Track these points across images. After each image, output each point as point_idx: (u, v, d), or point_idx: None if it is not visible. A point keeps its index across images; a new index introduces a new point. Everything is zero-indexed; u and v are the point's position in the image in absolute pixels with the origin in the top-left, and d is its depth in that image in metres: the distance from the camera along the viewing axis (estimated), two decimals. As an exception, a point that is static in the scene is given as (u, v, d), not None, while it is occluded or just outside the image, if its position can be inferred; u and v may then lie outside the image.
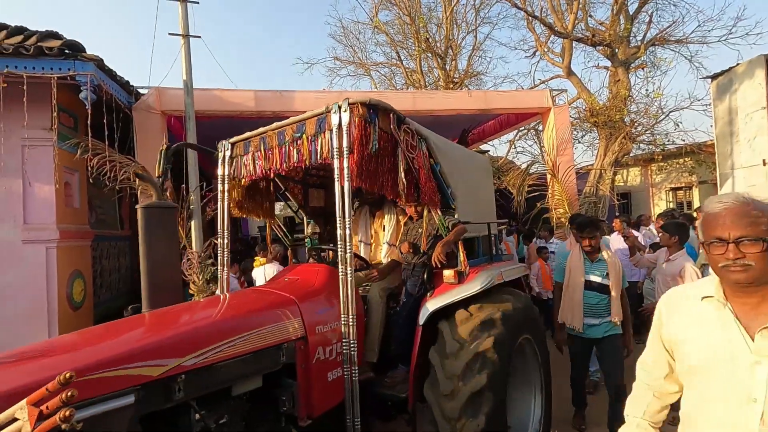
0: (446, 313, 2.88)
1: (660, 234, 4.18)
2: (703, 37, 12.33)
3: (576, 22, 11.71)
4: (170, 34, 6.58)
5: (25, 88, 5.03)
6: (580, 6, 11.61)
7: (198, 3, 6.80)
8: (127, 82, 6.45)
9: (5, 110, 5.11)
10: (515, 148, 15.97)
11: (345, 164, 2.32)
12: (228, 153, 3.21)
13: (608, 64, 11.81)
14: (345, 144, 2.32)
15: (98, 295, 6.76)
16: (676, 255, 3.85)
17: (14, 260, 5.48)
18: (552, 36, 12.49)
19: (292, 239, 5.06)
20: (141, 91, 6.85)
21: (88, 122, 5.46)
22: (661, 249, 4.63)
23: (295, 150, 2.64)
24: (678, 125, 12.17)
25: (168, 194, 5.51)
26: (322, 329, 2.60)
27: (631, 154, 12.38)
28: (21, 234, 5.52)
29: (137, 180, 5.65)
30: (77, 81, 5.26)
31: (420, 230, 3.29)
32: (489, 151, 14.01)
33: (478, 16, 16.30)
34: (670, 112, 12.11)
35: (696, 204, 13.46)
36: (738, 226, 1.12)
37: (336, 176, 2.36)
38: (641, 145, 12.65)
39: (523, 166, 9.55)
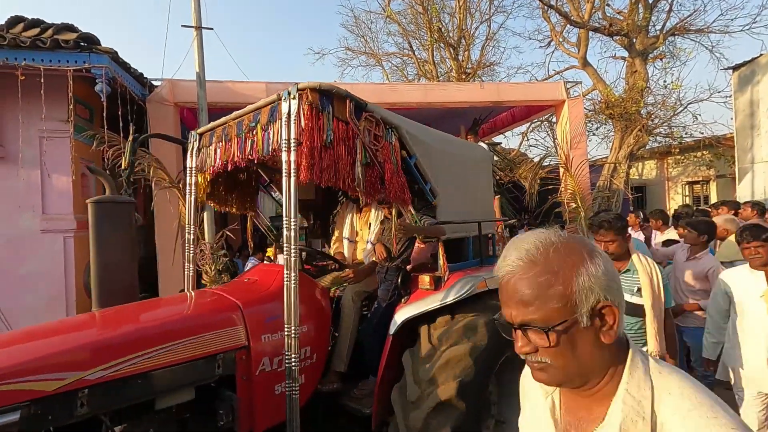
0: (427, 317, 2.66)
1: (686, 231, 3.97)
2: (726, 26, 12.06)
3: (593, 11, 11.44)
4: (183, 26, 6.61)
5: (42, 80, 5.12)
6: (598, -6, 11.33)
7: (210, -6, 6.79)
8: (141, 74, 6.52)
9: (23, 102, 5.22)
10: (528, 140, 15.79)
11: (292, 157, 2.09)
12: (196, 144, 2.98)
13: (625, 54, 11.54)
14: (292, 135, 2.09)
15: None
16: (702, 254, 3.69)
17: (34, 249, 5.63)
18: (568, 26, 12.23)
19: (277, 233, 4.93)
20: (154, 83, 6.92)
21: (104, 114, 5.55)
22: (677, 245, 4.53)
23: (249, 141, 2.44)
24: (696, 117, 11.89)
25: (181, 186, 5.59)
26: (271, 338, 2.38)
27: (647, 147, 12.14)
28: (39, 224, 5.66)
29: (151, 170, 5.74)
30: (93, 74, 5.34)
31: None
32: (501, 143, 13.84)
33: (492, 5, 16.03)
34: (689, 104, 11.85)
35: (713, 198, 13.18)
36: (518, 304, 0.76)
37: (284, 170, 2.14)
38: (658, 137, 12.40)
39: (536, 158, 9.43)
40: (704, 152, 12.88)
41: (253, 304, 2.48)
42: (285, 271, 2.12)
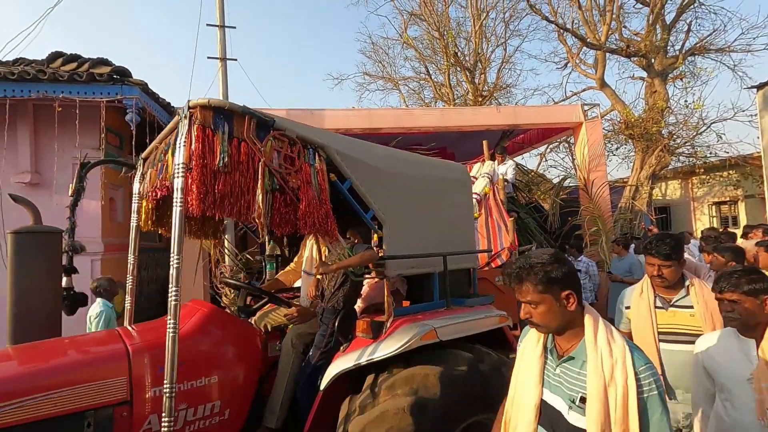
0: (376, 363, 2.29)
1: (712, 256, 3.78)
2: (747, 45, 11.82)
3: (609, 33, 11.48)
4: (209, 57, 6.93)
5: (77, 111, 5.42)
6: (614, 17, 11.39)
7: (235, 28, 7.15)
8: (169, 103, 6.82)
9: (59, 132, 5.53)
10: (546, 160, 15.69)
11: (178, 185, 1.84)
12: (140, 169, 2.80)
13: (644, 74, 11.48)
14: (182, 159, 1.84)
15: (138, 305, 7.09)
16: None
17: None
18: (584, 47, 12.28)
19: (244, 261, 4.36)
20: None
21: (133, 142, 5.81)
22: (701, 265, 4.35)
23: (164, 166, 2.23)
24: (721, 137, 11.58)
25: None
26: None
27: (670, 167, 11.90)
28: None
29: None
30: (124, 104, 5.63)
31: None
32: (518, 164, 13.79)
33: (508, 29, 16.29)
34: (712, 123, 11.60)
35: (742, 219, 12.75)
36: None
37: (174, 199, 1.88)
38: (680, 157, 12.15)
39: (555, 180, 9.36)
40: (730, 172, 12.54)
41: (147, 350, 2.15)
42: (168, 317, 1.80)
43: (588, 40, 11.39)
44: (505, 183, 6.07)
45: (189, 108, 1.89)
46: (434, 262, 2.68)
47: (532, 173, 13.58)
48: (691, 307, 2.16)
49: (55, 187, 5.74)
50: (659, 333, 2.19)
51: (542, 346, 1.46)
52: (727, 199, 13.61)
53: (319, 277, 2.75)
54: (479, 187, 5.75)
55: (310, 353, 2.57)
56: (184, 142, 1.85)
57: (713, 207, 14.26)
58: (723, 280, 1.82)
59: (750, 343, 1.78)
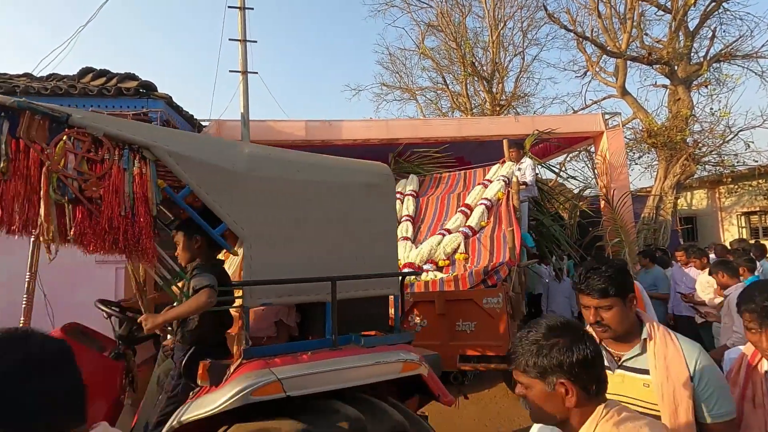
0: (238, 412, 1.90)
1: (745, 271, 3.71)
2: (776, 51, 11.45)
3: (630, 40, 11.31)
4: (231, 71, 7.11)
5: (105, 124, 5.62)
6: (634, 24, 11.22)
7: (256, 42, 7.32)
8: (192, 116, 7.01)
9: (88, 144, 5.73)
10: (565, 170, 15.45)
11: None
12: None
13: (667, 82, 11.23)
14: None
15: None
16: None
17: (87, 280, 6.01)
18: (604, 56, 12.12)
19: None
20: (203, 123, 7.41)
21: (157, 154, 5.98)
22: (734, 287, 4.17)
23: None
24: (749, 145, 11.22)
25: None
26: None
27: (696, 176, 11.56)
28: (95, 255, 6.06)
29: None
30: (149, 117, 5.81)
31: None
32: (537, 173, 13.62)
33: (526, 38, 16.22)
34: (740, 131, 11.26)
35: (774, 230, 12.25)
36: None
37: None
38: (707, 166, 11.81)
39: (575, 190, 9.21)
40: (760, 181, 12.10)
41: None
42: None
43: (608, 48, 11.24)
44: (523, 186, 5.31)
45: None
46: (326, 288, 2.20)
47: (552, 183, 13.40)
48: (647, 372, 1.45)
49: (83, 197, 5.94)
50: None
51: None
52: (757, 209, 13.12)
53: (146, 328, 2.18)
54: (492, 192, 5.23)
55: (159, 398, 2.21)
56: None
57: (742, 217, 13.76)
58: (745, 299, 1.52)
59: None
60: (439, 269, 4.43)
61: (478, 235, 4.71)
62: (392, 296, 2.55)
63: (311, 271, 2.22)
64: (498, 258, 4.23)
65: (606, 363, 1.37)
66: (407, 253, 4.62)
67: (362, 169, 2.65)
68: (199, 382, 2.00)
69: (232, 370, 1.97)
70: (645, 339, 1.48)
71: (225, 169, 2.08)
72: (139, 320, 2.16)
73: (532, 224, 5.89)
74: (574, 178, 9.69)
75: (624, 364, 1.50)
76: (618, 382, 1.47)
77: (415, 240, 4.99)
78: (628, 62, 11.32)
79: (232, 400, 1.81)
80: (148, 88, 5.93)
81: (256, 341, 2.35)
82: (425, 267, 4.43)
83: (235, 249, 2.15)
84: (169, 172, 1.98)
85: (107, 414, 2.24)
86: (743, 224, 13.76)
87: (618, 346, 1.53)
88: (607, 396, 1.32)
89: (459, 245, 4.58)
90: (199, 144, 2.14)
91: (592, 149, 10.70)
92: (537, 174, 6.27)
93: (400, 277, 2.67)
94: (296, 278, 2.17)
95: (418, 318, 3.58)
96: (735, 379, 1.47)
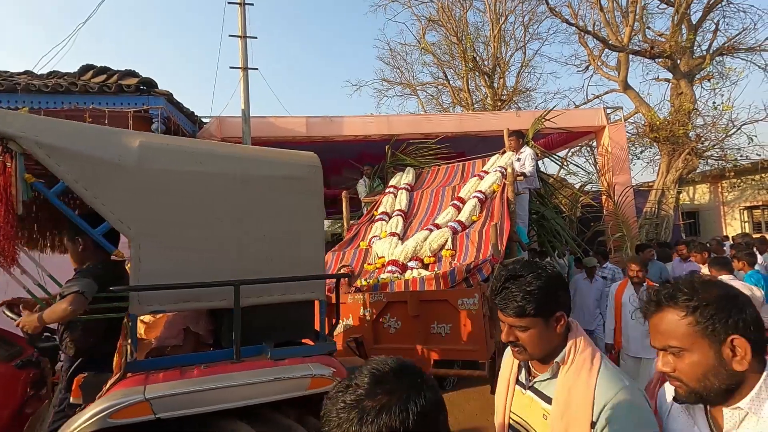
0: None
1: (742, 264, 3.76)
2: (780, 44, 11.36)
3: (632, 34, 11.23)
4: (231, 67, 7.10)
5: (107, 122, 5.62)
6: (637, 18, 11.14)
7: (256, 38, 7.30)
8: (192, 112, 7.02)
9: (89, 142, 5.74)
10: (567, 165, 15.41)
11: None
12: None
13: (669, 76, 11.17)
14: None
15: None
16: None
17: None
18: (606, 49, 12.04)
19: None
20: (204, 120, 7.41)
21: (158, 151, 5.99)
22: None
23: None
24: (752, 139, 11.16)
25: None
26: None
27: (698, 170, 11.52)
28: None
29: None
30: (150, 114, 5.82)
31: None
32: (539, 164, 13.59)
33: (527, 33, 16.13)
34: (743, 125, 11.18)
35: (777, 224, 12.22)
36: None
37: None
38: (709, 160, 11.75)
39: (577, 185, 9.18)
40: (763, 175, 12.05)
41: None
42: None
43: (610, 42, 11.16)
44: (522, 177, 4.90)
45: None
46: (231, 293, 2.01)
47: (554, 177, 13.38)
48: (551, 401, 1.22)
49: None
50: (510, 425, 1.34)
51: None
52: (760, 203, 13.08)
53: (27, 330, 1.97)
54: (486, 184, 4.80)
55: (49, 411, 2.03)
56: None
57: (745, 212, 13.72)
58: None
59: None
60: (425, 267, 4.06)
61: (467, 231, 4.33)
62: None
63: (215, 275, 2.01)
64: (485, 255, 3.86)
65: (522, 379, 1.31)
66: (392, 250, 4.26)
67: (283, 161, 2.38)
68: (71, 399, 1.83)
69: (108, 386, 1.78)
70: (557, 363, 1.22)
71: (109, 161, 1.88)
72: (16, 323, 1.98)
73: (533, 217, 5.59)
74: (575, 174, 9.65)
75: (534, 385, 1.27)
76: (526, 405, 1.29)
77: (404, 236, 4.62)
78: (631, 56, 11.25)
79: (86, 424, 1.61)
80: (149, 85, 5.93)
81: (160, 351, 2.23)
82: (410, 264, 4.07)
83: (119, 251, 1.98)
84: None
85: (3, 427, 2.05)
86: (746, 219, 13.71)
87: (540, 364, 1.29)
88: (512, 416, 1.30)
89: (446, 241, 4.21)
90: (78, 134, 1.90)
91: (594, 144, 10.67)
92: (537, 164, 5.77)
93: (336, 280, 2.53)
94: (190, 283, 1.94)
95: (392, 320, 3.28)
96: (652, 392, 1.24)
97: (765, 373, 0.89)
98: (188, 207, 2.03)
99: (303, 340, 2.38)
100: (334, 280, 2.88)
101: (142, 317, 2.26)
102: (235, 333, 1.99)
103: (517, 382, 1.33)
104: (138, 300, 1.89)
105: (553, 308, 1.21)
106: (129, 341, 1.88)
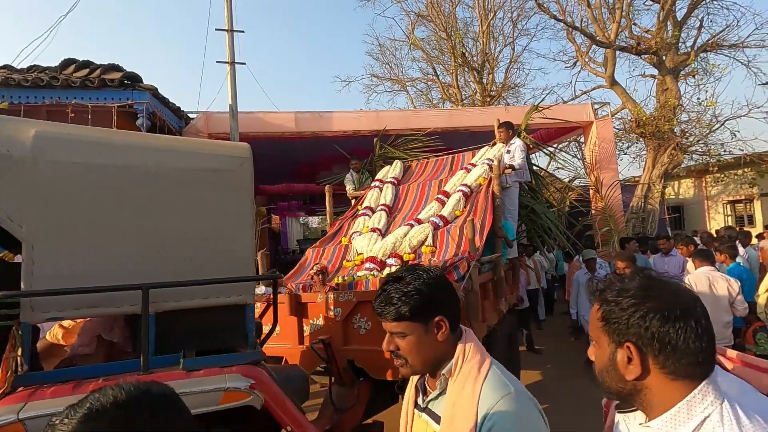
0: None
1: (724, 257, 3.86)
2: (762, 41, 11.58)
3: (619, 30, 11.35)
4: (218, 61, 6.99)
5: (89, 117, 5.50)
6: (623, 14, 11.25)
7: (243, 32, 7.20)
8: (179, 108, 6.90)
9: (72, 137, 5.61)
10: (555, 160, 15.55)
11: None
12: None
13: (655, 72, 11.32)
14: None
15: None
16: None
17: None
18: (593, 46, 12.15)
19: None
20: (190, 115, 7.29)
21: (144, 146, 5.88)
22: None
23: None
24: (735, 134, 11.37)
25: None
26: None
27: (683, 165, 11.72)
28: None
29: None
30: (135, 109, 5.70)
31: None
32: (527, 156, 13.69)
33: (516, 29, 16.19)
34: (726, 120, 11.38)
35: (759, 218, 12.51)
36: None
37: None
38: (693, 155, 11.96)
39: (565, 179, 9.26)
40: (746, 170, 12.30)
41: None
42: None
43: (597, 38, 11.27)
44: (510, 169, 4.73)
45: None
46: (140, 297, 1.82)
47: (543, 172, 13.47)
48: (439, 419, 1.11)
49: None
50: None
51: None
52: (742, 197, 13.36)
53: None
54: (473, 177, 4.60)
55: None
56: None
57: (728, 206, 14.01)
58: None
59: None
60: (405, 264, 3.84)
61: (448, 226, 4.15)
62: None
63: (125, 277, 1.84)
64: (464, 252, 3.71)
65: (420, 401, 1.19)
66: (371, 246, 4.09)
67: (205, 152, 2.19)
68: None
69: None
70: (445, 376, 1.11)
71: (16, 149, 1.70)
72: None
73: (522, 212, 5.42)
74: (565, 167, 9.73)
75: (429, 406, 1.15)
76: (422, 429, 1.16)
77: (386, 232, 4.40)
78: (617, 52, 11.37)
79: None
80: (133, 80, 5.82)
81: (71, 361, 2.08)
82: (389, 261, 3.90)
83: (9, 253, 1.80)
84: None
85: None
86: (729, 212, 14.01)
87: (432, 381, 1.17)
88: None
89: (427, 237, 4.02)
90: None
91: (582, 140, 10.77)
92: (528, 156, 5.62)
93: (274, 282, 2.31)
94: (87, 287, 1.77)
95: (362, 320, 3.12)
96: (609, 403, 1.15)
97: (688, 397, 0.79)
98: (92, 203, 1.84)
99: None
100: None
101: (62, 322, 2.12)
102: (143, 341, 1.81)
103: (416, 405, 1.21)
104: (31, 306, 1.70)
105: (432, 311, 1.09)
106: (19, 352, 1.69)
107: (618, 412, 0.96)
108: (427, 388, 1.18)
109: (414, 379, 1.23)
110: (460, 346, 1.12)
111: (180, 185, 2.05)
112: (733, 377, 1.16)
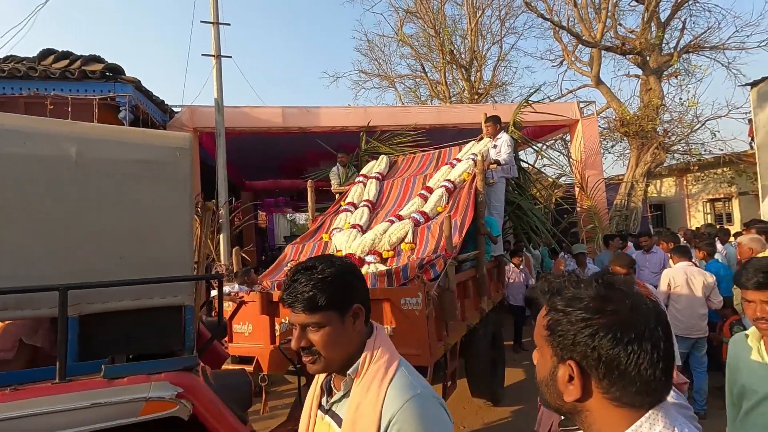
0: None
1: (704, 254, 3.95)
2: (741, 43, 11.87)
3: (605, 30, 11.51)
4: (203, 54, 6.87)
5: (69, 109, 5.35)
6: (609, 14, 11.41)
7: (229, 25, 7.09)
8: (163, 101, 6.76)
9: (51, 130, 5.45)
10: (542, 158, 15.74)
11: None
12: None
13: (639, 72, 11.52)
14: None
15: None
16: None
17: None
18: (580, 45, 12.30)
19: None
20: (175, 109, 7.16)
21: (126, 140, 5.75)
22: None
23: None
24: (715, 134, 11.70)
25: (199, 208, 5.70)
26: None
27: (665, 164, 11.96)
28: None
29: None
30: (117, 102, 5.57)
31: None
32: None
33: (504, 27, 16.28)
34: (707, 120, 11.67)
35: (737, 216, 12.83)
36: None
37: None
38: (675, 155, 12.22)
39: (550, 178, 9.37)
40: (725, 169, 12.61)
41: None
42: None
43: (583, 37, 11.41)
44: (496, 165, 4.63)
45: None
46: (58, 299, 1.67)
47: (531, 168, 13.61)
48: (341, 422, 1.06)
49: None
50: None
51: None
52: (722, 196, 13.70)
53: None
54: (457, 172, 4.46)
55: None
56: None
57: (708, 204, 14.35)
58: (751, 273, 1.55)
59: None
60: (384, 261, 3.77)
61: (429, 222, 4.04)
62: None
63: (43, 278, 1.70)
64: (443, 249, 3.60)
65: (324, 402, 1.12)
66: (350, 243, 3.99)
67: (136, 141, 2.03)
68: None
69: None
70: (350, 376, 1.05)
71: None
72: None
73: (508, 208, 5.36)
74: (551, 164, 9.84)
75: (332, 408, 1.09)
76: (325, 430, 1.10)
77: (368, 228, 4.28)
78: (603, 52, 11.53)
79: None
80: (115, 72, 5.68)
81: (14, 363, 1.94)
82: (367, 259, 3.78)
83: None
84: None
85: None
86: (708, 210, 14.34)
87: (338, 380, 1.10)
88: None
89: (407, 234, 3.91)
90: None
91: (568, 138, 10.91)
92: (516, 152, 5.52)
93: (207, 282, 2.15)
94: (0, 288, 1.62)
95: None
96: None
97: (633, 427, 0.70)
98: (4, 198, 1.70)
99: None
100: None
101: None
102: (60, 346, 1.65)
103: (319, 406, 1.14)
104: None
105: (350, 299, 1.04)
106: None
107: (561, 429, 0.89)
108: (333, 388, 1.12)
109: (320, 378, 1.16)
110: (369, 343, 1.06)
111: (105, 178, 1.88)
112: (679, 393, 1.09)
